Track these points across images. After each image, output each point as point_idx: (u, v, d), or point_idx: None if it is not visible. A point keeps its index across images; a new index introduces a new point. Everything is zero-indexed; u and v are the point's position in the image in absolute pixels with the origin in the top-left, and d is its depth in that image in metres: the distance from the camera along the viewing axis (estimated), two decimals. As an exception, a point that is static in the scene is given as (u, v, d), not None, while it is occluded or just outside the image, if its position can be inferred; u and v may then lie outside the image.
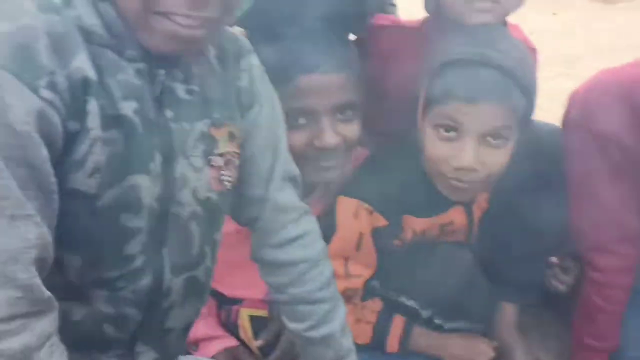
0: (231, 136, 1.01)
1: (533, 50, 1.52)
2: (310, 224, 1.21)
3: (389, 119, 1.46)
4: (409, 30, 1.52)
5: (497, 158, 1.30)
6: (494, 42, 1.30)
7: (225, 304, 1.54)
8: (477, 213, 1.52)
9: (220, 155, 1.00)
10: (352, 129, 1.40)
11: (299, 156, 1.25)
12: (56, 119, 0.78)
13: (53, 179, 0.79)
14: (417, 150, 1.37)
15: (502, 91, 1.26)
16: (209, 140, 0.98)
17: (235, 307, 1.53)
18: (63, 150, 0.81)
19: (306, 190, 1.29)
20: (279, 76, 1.19)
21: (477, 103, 1.25)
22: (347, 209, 1.40)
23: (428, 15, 1.48)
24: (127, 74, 0.86)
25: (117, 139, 0.85)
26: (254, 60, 1.08)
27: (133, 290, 0.92)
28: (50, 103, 0.77)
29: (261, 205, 1.14)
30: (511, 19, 1.51)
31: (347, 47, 1.43)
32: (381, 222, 1.44)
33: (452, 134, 1.28)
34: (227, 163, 1.01)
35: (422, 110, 1.33)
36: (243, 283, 1.44)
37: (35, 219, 0.77)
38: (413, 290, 1.49)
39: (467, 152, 1.27)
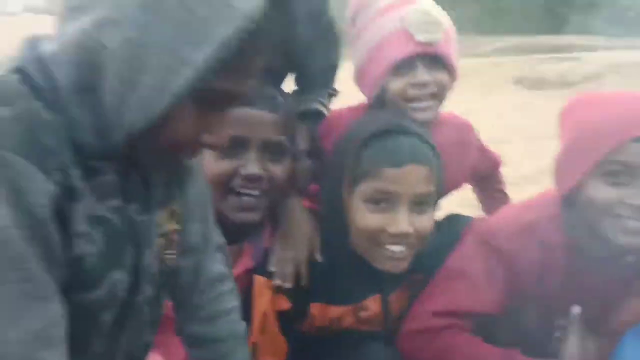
0: (172, 214, 1.05)
1: (469, 127, 1.79)
2: (236, 300, 1.26)
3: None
4: (352, 119, 1.59)
5: (425, 222, 1.39)
6: (404, 116, 1.45)
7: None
8: (395, 306, 1.53)
9: (163, 235, 1.02)
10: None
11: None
12: (62, 200, 0.81)
13: (61, 254, 0.83)
14: (345, 230, 1.40)
15: (424, 155, 1.37)
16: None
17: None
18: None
19: None
20: None
21: (404, 167, 1.32)
22: (256, 286, 1.39)
23: (368, 105, 1.63)
24: (107, 174, 0.88)
25: (98, 237, 0.88)
26: None
27: None
28: (59, 184, 0.80)
29: (195, 279, 1.18)
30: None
31: None
32: (284, 304, 1.44)
33: (383, 205, 1.35)
34: (169, 241, 1.04)
35: (348, 187, 1.39)
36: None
37: (57, 297, 0.81)
38: None
39: (402, 218, 1.33)
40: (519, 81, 11.64)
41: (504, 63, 13.86)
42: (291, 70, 1.80)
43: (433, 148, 1.42)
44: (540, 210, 1.50)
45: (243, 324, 1.27)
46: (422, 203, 1.39)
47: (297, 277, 1.47)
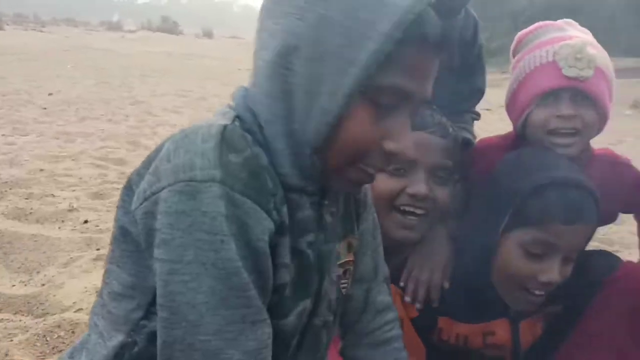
0: (349, 247, 1.11)
1: (625, 164, 1.65)
2: (399, 329, 1.28)
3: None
4: (501, 147, 1.64)
5: (569, 271, 1.39)
6: (573, 167, 1.40)
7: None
8: (526, 334, 1.52)
9: (340, 265, 1.07)
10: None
11: None
12: (274, 234, 0.87)
13: (271, 282, 0.89)
14: (485, 260, 1.42)
15: (593, 213, 1.34)
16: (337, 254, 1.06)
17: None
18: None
19: None
20: None
21: (574, 225, 1.32)
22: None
23: (515, 134, 1.63)
24: (305, 210, 0.95)
25: (292, 267, 0.94)
26: None
27: None
28: (274, 220, 0.87)
29: (364, 307, 1.22)
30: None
31: None
32: (412, 312, 1.47)
33: (539, 253, 1.34)
34: (345, 272, 1.09)
35: (505, 226, 1.39)
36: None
37: (267, 321, 0.87)
38: None
39: (555, 269, 1.34)
40: (635, 105, 11.45)
41: (618, 86, 13.33)
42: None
43: (597, 202, 1.38)
44: None
45: (405, 354, 1.28)
46: (575, 255, 1.41)
47: (427, 299, 1.53)
